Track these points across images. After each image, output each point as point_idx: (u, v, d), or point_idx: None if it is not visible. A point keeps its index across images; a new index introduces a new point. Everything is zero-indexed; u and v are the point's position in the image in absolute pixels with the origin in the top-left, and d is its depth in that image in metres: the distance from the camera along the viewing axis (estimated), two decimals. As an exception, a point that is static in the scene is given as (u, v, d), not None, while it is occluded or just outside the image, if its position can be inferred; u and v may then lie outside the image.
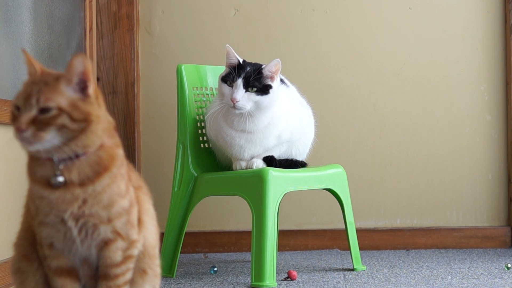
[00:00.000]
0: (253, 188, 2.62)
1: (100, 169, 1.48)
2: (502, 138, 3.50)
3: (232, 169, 2.80)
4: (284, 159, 2.82)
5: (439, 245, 3.46)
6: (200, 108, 2.96)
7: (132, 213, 1.56)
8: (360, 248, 3.00)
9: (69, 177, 1.47)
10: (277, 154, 2.80)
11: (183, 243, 2.88)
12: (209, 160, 2.93)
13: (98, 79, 3.40)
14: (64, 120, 1.43)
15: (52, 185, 1.47)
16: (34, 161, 1.49)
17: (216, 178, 2.82)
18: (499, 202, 3.51)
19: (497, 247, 3.46)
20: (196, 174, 2.86)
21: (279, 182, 2.63)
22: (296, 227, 3.50)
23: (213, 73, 3.03)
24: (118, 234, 1.53)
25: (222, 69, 2.81)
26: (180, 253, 2.89)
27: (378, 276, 2.76)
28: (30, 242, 1.58)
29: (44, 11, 2.87)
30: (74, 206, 1.48)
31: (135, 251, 1.58)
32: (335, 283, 2.62)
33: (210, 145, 2.92)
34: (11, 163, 2.45)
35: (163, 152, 3.47)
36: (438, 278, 2.69)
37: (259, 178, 2.61)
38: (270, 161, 2.75)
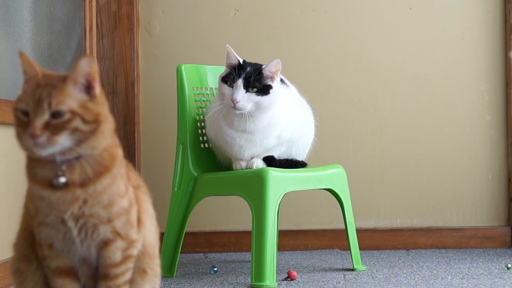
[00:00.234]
0: (253, 188, 2.62)
1: (101, 169, 1.48)
2: (502, 138, 3.50)
3: (232, 169, 2.80)
4: (284, 159, 2.82)
5: (439, 245, 3.46)
6: (200, 108, 2.96)
7: (132, 213, 1.56)
8: (360, 248, 3.00)
9: (70, 177, 1.47)
10: (277, 154, 2.80)
11: (183, 243, 2.88)
12: (209, 160, 2.93)
13: (98, 79, 3.40)
14: (77, 123, 1.43)
15: (53, 186, 1.46)
16: (34, 162, 1.49)
17: (216, 178, 2.82)
18: (499, 202, 3.51)
19: (497, 247, 3.46)
20: (196, 174, 2.86)
21: (279, 182, 2.63)
22: (296, 227, 3.50)
23: (213, 73, 3.03)
24: (117, 234, 1.53)
25: (222, 69, 2.81)
26: (180, 253, 2.89)
27: (378, 276, 2.76)
28: (29, 243, 1.58)
29: (44, 11, 2.87)
30: (75, 206, 1.48)
31: (134, 251, 1.58)
32: (335, 283, 2.62)
33: (210, 145, 2.92)
34: (11, 163, 2.45)
35: (163, 152, 3.47)
36: (438, 278, 2.69)
37: (259, 178, 2.60)
38: (270, 161, 2.75)
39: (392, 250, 3.43)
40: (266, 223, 2.56)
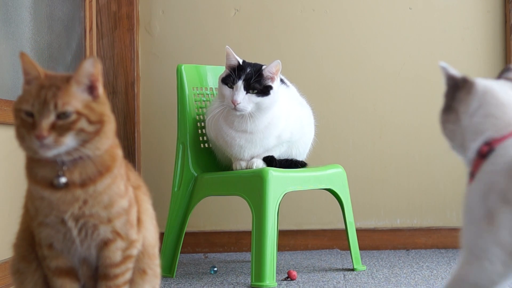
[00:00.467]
0: (253, 188, 2.62)
1: (102, 170, 1.48)
2: (502, 138, 3.49)
3: (232, 169, 2.80)
4: (284, 159, 2.82)
5: (439, 245, 3.46)
6: (200, 108, 2.96)
7: (132, 213, 1.56)
8: (360, 248, 3.00)
9: (70, 178, 1.47)
10: (277, 154, 2.80)
11: (183, 243, 2.88)
12: (209, 160, 2.93)
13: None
14: (82, 123, 1.43)
15: (53, 186, 1.46)
16: (34, 162, 1.49)
17: (216, 178, 2.82)
18: (499, 202, 3.50)
19: (497, 247, 3.46)
20: (196, 174, 2.86)
21: (279, 182, 2.63)
22: (296, 227, 3.50)
23: (213, 73, 3.03)
24: (117, 234, 1.53)
25: (222, 69, 2.81)
26: (180, 253, 2.89)
27: (378, 276, 2.76)
28: (28, 243, 1.58)
29: (44, 11, 2.87)
30: (75, 206, 1.48)
31: (134, 251, 1.58)
32: (335, 283, 2.62)
33: (210, 145, 2.92)
34: (11, 163, 2.45)
35: (163, 152, 3.47)
36: (438, 278, 2.69)
37: (259, 178, 2.60)
38: (270, 161, 2.75)
39: (392, 250, 3.43)
40: (266, 223, 2.56)
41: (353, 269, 2.89)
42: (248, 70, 2.69)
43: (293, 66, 3.43)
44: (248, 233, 3.33)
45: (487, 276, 1.25)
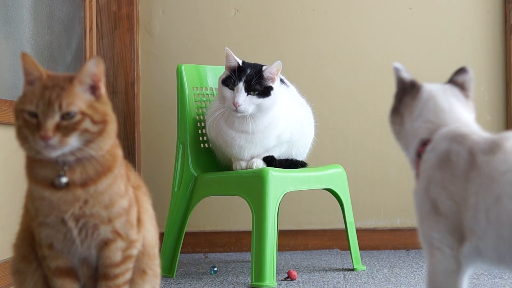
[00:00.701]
0: (253, 188, 2.62)
1: (103, 170, 1.49)
2: (502, 138, 3.49)
3: (232, 169, 2.80)
4: (284, 159, 2.82)
5: (439, 245, 3.45)
6: (200, 108, 2.96)
7: (132, 213, 1.56)
8: (360, 248, 3.00)
9: (71, 177, 1.47)
10: (277, 154, 2.80)
11: (183, 243, 2.88)
12: (209, 160, 2.93)
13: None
14: (87, 123, 1.44)
15: (54, 186, 1.46)
16: (35, 162, 1.49)
17: (216, 178, 2.82)
18: (499, 202, 3.50)
19: (497, 247, 3.46)
20: (196, 174, 2.86)
21: (279, 182, 2.63)
22: (296, 227, 3.50)
23: (213, 73, 3.03)
24: (117, 234, 1.53)
25: (222, 69, 2.81)
26: (180, 253, 2.89)
27: (378, 276, 2.76)
28: (29, 243, 1.58)
29: (44, 11, 2.87)
30: (75, 206, 1.48)
31: (134, 251, 1.58)
32: (335, 283, 2.62)
33: (210, 145, 2.92)
34: (11, 163, 2.45)
35: (163, 152, 3.47)
36: (438, 278, 2.69)
37: (259, 178, 2.60)
38: (270, 161, 2.75)
39: (392, 250, 3.43)
40: (266, 223, 2.56)
41: (353, 269, 2.89)
42: (249, 71, 2.69)
43: (293, 66, 3.43)
44: (248, 233, 3.33)
45: (451, 262, 1.34)
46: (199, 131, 2.93)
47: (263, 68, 2.71)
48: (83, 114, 1.44)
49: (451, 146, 1.36)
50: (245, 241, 3.45)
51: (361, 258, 2.97)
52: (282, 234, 3.40)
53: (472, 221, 1.30)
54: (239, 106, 2.64)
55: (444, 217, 1.35)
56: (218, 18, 3.50)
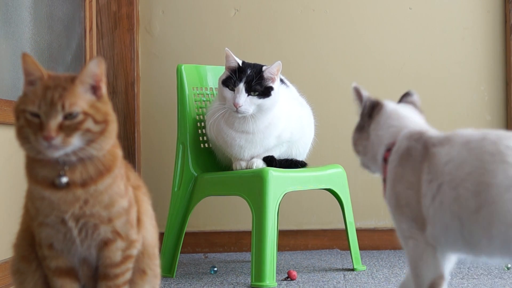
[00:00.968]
0: (253, 188, 2.62)
1: (103, 170, 1.49)
2: (502, 138, 3.49)
3: (232, 169, 2.80)
4: (284, 159, 2.82)
5: (439, 245, 3.45)
6: (200, 108, 2.96)
7: (131, 213, 1.56)
8: (360, 248, 3.00)
9: (71, 177, 1.47)
10: (277, 154, 2.80)
11: (183, 243, 2.88)
12: (209, 160, 2.93)
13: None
14: (89, 123, 1.45)
15: (54, 186, 1.47)
16: (35, 162, 1.49)
17: (216, 178, 2.82)
18: (499, 202, 3.50)
19: (497, 247, 3.46)
20: (196, 174, 2.86)
21: (279, 182, 2.63)
22: (296, 227, 3.50)
23: (213, 73, 3.03)
24: (117, 234, 1.53)
25: (222, 69, 2.81)
26: (180, 253, 2.89)
27: (378, 276, 2.76)
28: (29, 243, 1.58)
29: (44, 11, 2.87)
30: (76, 206, 1.48)
31: (134, 251, 1.58)
32: (335, 283, 2.62)
33: (210, 145, 2.92)
34: (11, 163, 2.45)
35: (163, 152, 3.47)
36: (438, 278, 2.69)
37: (259, 178, 2.60)
38: (270, 161, 2.75)
39: (392, 250, 3.43)
40: (266, 223, 2.56)
41: (353, 269, 2.89)
42: (249, 72, 2.69)
43: (293, 66, 3.43)
44: (248, 233, 3.33)
45: (424, 247, 1.47)
46: (199, 131, 2.93)
47: (263, 68, 2.71)
48: (86, 114, 1.45)
49: (410, 143, 1.51)
50: (245, 241, 3.45)
51: (361, 258, 2.97)
52: (282, 234, 3.40)
53: (425, 208, 1.45)
54: (239, 107, 2.64)
55: (407, 207, 1.48)
56: (218, 18, 3.50)
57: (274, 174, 2.62)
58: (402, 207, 1.49)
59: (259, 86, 2.68)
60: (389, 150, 1.56)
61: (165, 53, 3.50)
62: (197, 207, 2.87)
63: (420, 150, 1.49)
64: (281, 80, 2.85)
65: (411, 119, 1.61)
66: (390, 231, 3.47)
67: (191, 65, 2.98)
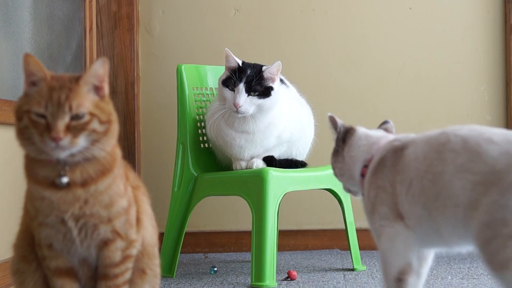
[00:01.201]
0: (253, 188, 2.62)
1: (103, 169, 1.49)
2: (502, 138, 3.49)
3: (232, 169, 2.80)
4: (284, 159, 2.82)
5: (439, 245, 3.45)
6: (200, 108, 2.96)
7: (131, 213, 1.56)
8: (360, 248, 3.00)
9: (72, 177, 1.47)
10: (277, 154, 2.80)
11: (183, 243, 2.88)
12: (209, 160, 2.93)
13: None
14: (95, 124, 1.45)
15: (54, 186, 1.47)
16: (35, 162, 1.49)
17: (216, 178, 2.82)
18: (499, 202, 3.50)
19: (497, 247, 3.46)
20: (196, 174, 2.86)
21: (279, 182, 2.63)
22: (296, 227, 3.50)
23: (213, 73, 3.03)
24: (117, 234, 1.53)
25: (222, 69, 2.81)
26: (180, 253, 2.89)
27: (378, 276, 2.76)
28: (28, 243, 1.58)
29: (44, 11, 2.87)
30: (76, 206, 1.48)
31: (134, 251, 1.58)
32: (335, 283, 2.62)
33: (210, 145, 2.92)
34: (11, 163, 2.45)
35: (163, 152, 3.47)
36: (438, 278, 2.69)
37: (259, 178, 2.60)
38: (270, 161, 2.75)
39: (392, 250, 3.42)
40: (266, 223, 2.56)
41: (353, 269, 2.89)
42: (249, 72, 2.69)
43: (293, 66, 3.43)
44: (248, 233, 3.33)
45: (398, 234, 1.62)
46: (199, 131, 2.93)
47: (263, 68, 2.71)
48: (91, 114, 1.46)
49: (382, 154, 1.65)
50: (245, 241, 3.45)
51: (361, 258, 2.97)
52: (282, 234, 3.40)
53: (401, 206, 1.57)
54: (239, 107, 2.64)
55: (382, 205, 1.61)
56: (218, 18, 3.50)
57: (274, 174, 2.62)
58: (377, 206, 1.62)
59: (259, 86, 2.68)
60: (366, 166, 1.69)
61: (165, 53, 3.50)
62: (197, 207, 2.87)
63: (391, 157, 1.63)
64: (281, 80, 2.85)
65: (379, 137, 1.75)
66: (390, 231, 3.47)
67: (191, 65, 2.98)
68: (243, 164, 2.76)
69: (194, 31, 3.50)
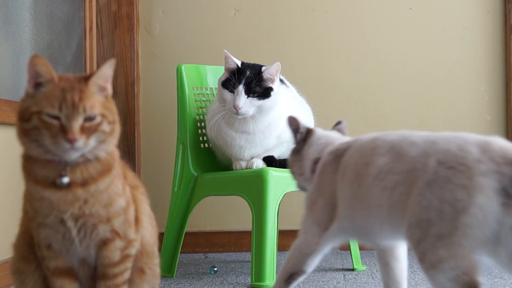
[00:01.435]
0: (253, 188, 2.62)
1: (103, 169, 1.49)
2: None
3: (232, 169, 2.80)
4: (284, 159, 2.82)
5: (439, 245, 3.45)
6: (200, 108, 2.96)
7: (129, 212, 1.56)
8: (360, 248, 3.00)
9: (72, 177, 1.47)
10: (277, 154, 2.80)
11: (183, 243, 2.88)
12: (209, 160, 2.93)
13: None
14: (104, 125, 1.47)
15: (54, 186, 1.47)
16: (34, 162, 1.48)
17: (216, 178, 2.82)
18: (499, 202, 3.50)
19: (497, 247, 3.46)
20: (196, 174, 2.86)
21: (279, 182, 2.63)
22: (296, 227, 3.47)
23: (213, 73, 3.03)
24: (116, 233, 1.54)
25: (222, 69, 2.81)
26: (180, 253, 2.89)
27: (378, 276, 2.76)
28: (28, 243, 1.58)
29: (44, 11, 2.88)
30: (75, 206, 1.48)
31: (133, 250, 1.58)
32: (335, 283, 2.62)
33: (210, 145, 2.92)
34: (11, 163, 2.45)
35: (163, 152, 3.47)
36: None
37: (259, 178, 2.61)
38: (270, 161, 2.75)
39: (392, 250, 3.43)
40: (266, 223, 2.56)
41: (353, 269, 2.89)
42: (248, 73, 2.69)
43: (293, 66, 3.43)
44: (248, 233, 3.33)
45: (309, 245, 1.79)
46: (199, 131, 2.93)
47: (263, 69, 2.71)
48: (102, 115, 1.47)
49: (327, 158, 1.72)
50: (245, 241, 3.45)
51: (361, 258, 2.97)
52: (282, 234, 3.39)
53: (338, 206, 1.65)
54: (239, 109, 2.65)
55: (317, 213, 1.71)
56: (218, 18, 3.50)
57: (274, 174, 2.62)
58: (314, 212, 1.71)
59: (259, 88, 2.68)
60: (315, 163, 1.77)
61: (165, 53, 3.50)
62: (197, 207, 2.87)
63: (332, 161, 1.70)
64: (281, 80, 2.85)
65: (335, 137, 1.84)
66: (390, 231, 3.47)
67: (191, 65, 2.98)
68: (243, 164, 2.76)
69: (194, 31, 3.50)
